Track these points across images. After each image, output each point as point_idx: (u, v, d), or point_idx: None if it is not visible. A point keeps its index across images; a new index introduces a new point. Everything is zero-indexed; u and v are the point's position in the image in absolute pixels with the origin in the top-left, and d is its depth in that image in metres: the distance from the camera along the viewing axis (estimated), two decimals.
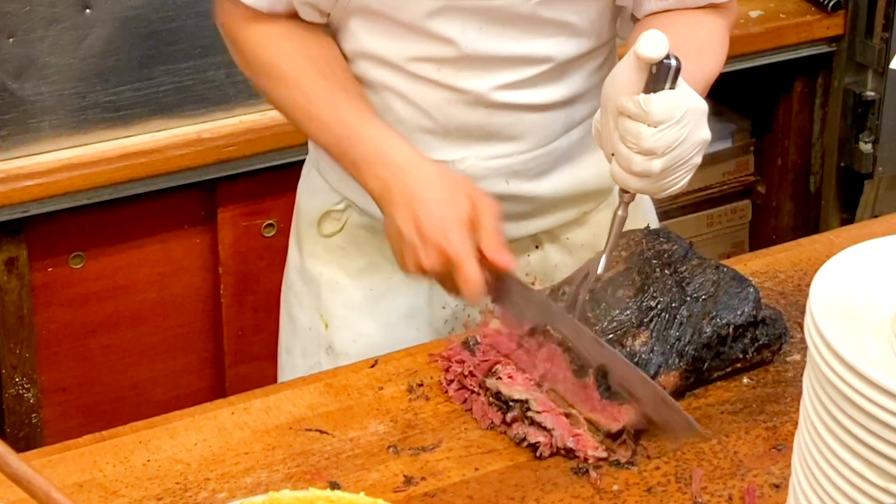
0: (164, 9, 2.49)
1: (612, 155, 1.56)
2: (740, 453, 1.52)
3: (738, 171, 3.29)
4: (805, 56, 3.11)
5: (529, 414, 1.53)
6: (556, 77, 1.75)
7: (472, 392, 1.59)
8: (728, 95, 3.23)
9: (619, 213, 1.59)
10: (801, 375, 1.46)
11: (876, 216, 3.04)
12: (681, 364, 1.58)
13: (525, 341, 1.60)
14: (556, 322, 1.57)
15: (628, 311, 1.60)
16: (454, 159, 1.76)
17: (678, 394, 1.59)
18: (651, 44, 1.49)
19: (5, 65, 2.41)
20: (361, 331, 1.86)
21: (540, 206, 1.83)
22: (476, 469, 1.50)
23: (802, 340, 1.65)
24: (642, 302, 1.60)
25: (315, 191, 1.90)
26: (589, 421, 1.53)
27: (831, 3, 3.03)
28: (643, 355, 1.56)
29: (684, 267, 1.66)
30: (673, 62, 1.50)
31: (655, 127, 1.51)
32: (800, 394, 1.30)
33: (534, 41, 1.71)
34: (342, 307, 1.87)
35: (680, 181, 1.56)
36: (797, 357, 1.68)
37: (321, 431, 1.56)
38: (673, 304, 1.61)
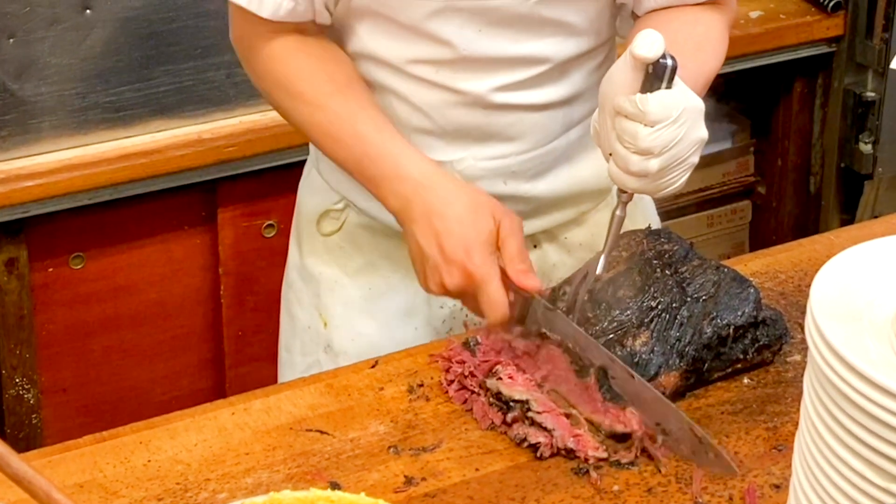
0: (165, 9, 2.49)
1: (610, 155, 1.56)
2: (741, 454, 1.52)
3: (738, 172, 3.29)
4: (805, 56, 3.11)
5: (530, 414, 1.53)
6: (555, 77, 1.75)
7: (473, 392, 1.59)
8: (728, 96, 3.23)
9: (618, 213, 1.59)
10: (802, 376, 1.46)
11: (876, 217, 3.04)
12: (681, 364, 1.58)
13: (525, 342, 1.60)
14: (585, 350, 1.55)
15: (629, 312, 1.60)
16: (452, 160, 1.76)
17: (678, 394, 1.59)
18: (647, 43, 1.49)
19: (6, 65, 2.41)
20: (360, 329, 1.86)
21: (538, 206, 1.83)
22: (476, 469, 1.50)
23: (803, 341, 1.65)
24: (643, 302, 1.60)
25: (315, 190, 1.90)
26: (589, 421, 1.53)
27: (831, 4, 3.04)
28: (643, 355, 1.57)
29: (685, 267, 1.66)
30: (669, 62, 1.50)
31: (652, 126, 1.51)
32: (800, 394, 1.30)
33: (532, 41, 1.71)
34: (341, 306, 1.87)
35: (677, 181, 1.56)
36: (797, 357, 1.68)
37: (322, 432, 1.56)
38: (673, 305, 1.61)
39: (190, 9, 2.50)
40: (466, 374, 1.60)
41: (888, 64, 3.04)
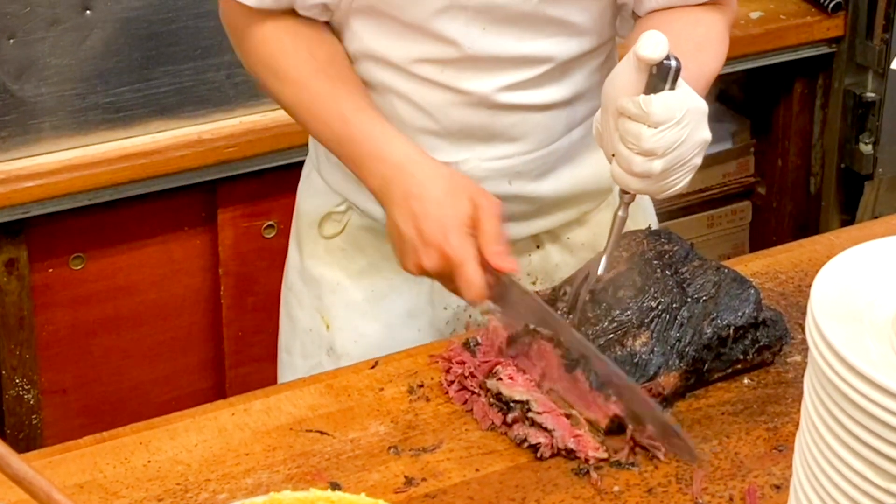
0: (165, 10, 2.49)
1: (613, 156, 1.56)
2: (741, 454, 1.52)
3: (738, 173, 3.29)
4: (805, 57, 3.11)
5: (530, 415, 1.53)
6: (558, 77, 1.75)
7: (473, 393, 1.59)
8: (728, 96, 3.23)
9: (620, 213, 1.59)
10: (802, 376, 1.46)
11: (876, 217, 3.04)
12: (681, 365, 1.58)
13: (518, 340, 1.60)
14: (560, 333, 1.57)
15: (629, 312, 1.60)
16: (457, 161, 1.76)
17: (678, 394, 1.59)
18: (651, 44, 1.49)
19: (6, 66, 2.41)
20: (363, 332, 1.86)
21: (541, 207, 1.83)
22: (477, 470, 1.50)
23: (803, 341, 1.64)
24: (643, 302, 1.60)
25: (315, 192, 1.89)
26: (589, 421, 1.53)
27: (831, 5, 3.04)
28: (643, 356, 1.56)
29: (685, 268, 1.66)
30: (673, 63, 1.50)
31: (656, 128, 1.51)
32: (800, 395, 1.30)
33: (536, 41, 1.71)
34: (343, 308, 1.87)
35: (680, 182, 1.56)
36: (798, 358, 1.68)
37: (322, 432, 1.56)
38: (674, 305, 1.61)
39: (190, 9, 2.50)
40: (467, 374, 1.60)
41: (888, 64, 3.04)
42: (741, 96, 3.27)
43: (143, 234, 2.61)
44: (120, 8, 2.46)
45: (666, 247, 1.69)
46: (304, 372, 1.85)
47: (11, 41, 2.40)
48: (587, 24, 1.74)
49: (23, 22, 2.39)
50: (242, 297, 2.70)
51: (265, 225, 2.67)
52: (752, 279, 1.70)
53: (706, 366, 1.60)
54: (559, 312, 1.62)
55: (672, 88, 1.51)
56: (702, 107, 1.55)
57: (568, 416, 1.53)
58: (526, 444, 1.53)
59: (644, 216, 1.90)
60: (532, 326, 1.58)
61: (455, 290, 1.62)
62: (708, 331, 1.60)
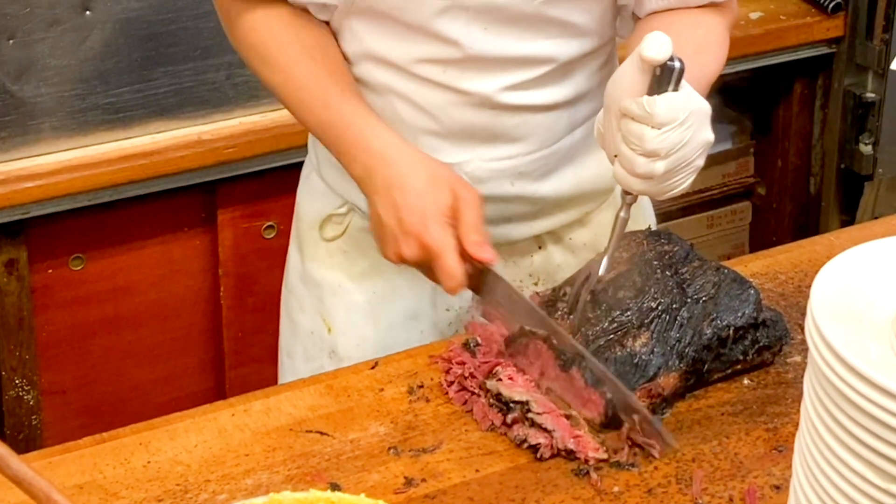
0: (164, 11, 2.49)
1: (615, 156, 1.56)
2: (741, 455, 1.52)
3: (738, 173, 3.29)
4: (805, 58, 3.11)
5: (530, 415, 1.53)
6: (560, 77, 1.76)
7: (473, 393, 1.59)
8: (728, 97, 3.23)
9: (622, 214, 1.59)
10: (802, 377, 1.46)
11: (876, 218, 3.04)
12: (681, 365, 1.58)
13: (515, 341, 1.60)
14: (529, 318, 1.59)
15: (629, 312, 1.60)
16: (459, 161, 1.76)
17: (678, 395, 1.59)
18: (655, 46, 1.49)
19: (5, 66, 2.41)
20: (365, 334, 1.86)
21: (544, 207, 1.83)
22: (476, 470, 1.50)
23: (803, 342, 1.65)
24: (643, 303, 1.60)
25: (316, 195, 1.89)
26: (586, 420, 1.53)
27: (831, 5, 3.04)
28: (643, 356, 1.56)
29: (685, 268, 1.66)
30: (677, 64, 1.50)
31: (659, 129, 1.51)
32: (800, 395, 1.30)
33: (538, 41, 1.71)
34: (345, 311, 1.87)
35: (683, 183, 1.57)
36: (798, 358, 1.68)
37: (321, 433, 1.56)
38: (673, 306, 1.61)
39: (189, 10, 2.51)
40: (466, 375, 1.60)
41: (888, 65, 3.04)
42: (741, 97, 3.27)
43: (142, 235, 2.61)
44: (120, 8, 2.46)
45: (666, 247, 1.69)
46: (306, 375, 1.85)
47: (11, 42, 2.40)
48: (588, 24, 1.74)
49: (22, 22, 2.40)
50: (242, 297, 2.70)
51: (265, 225, 2.67)
52: (751, 280, 1.70)
53: (706, 366, 1.60)
54: (559, 313, 1.62)
55: (675, 90, 1.51)
56: (705, 108, 1.55)
57: (568, 417, 1.53)
58: (526, 445, 1.53)
59: (643, 216, 1.90)
60: (528, 328, 1.58)
61: (434, 279, 1.64)
62: (708, 331, 1.60)
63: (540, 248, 1.87)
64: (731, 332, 1.61)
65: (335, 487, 1.46)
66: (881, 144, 3.11)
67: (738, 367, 1.63)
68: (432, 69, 1.72)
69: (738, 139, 3.28)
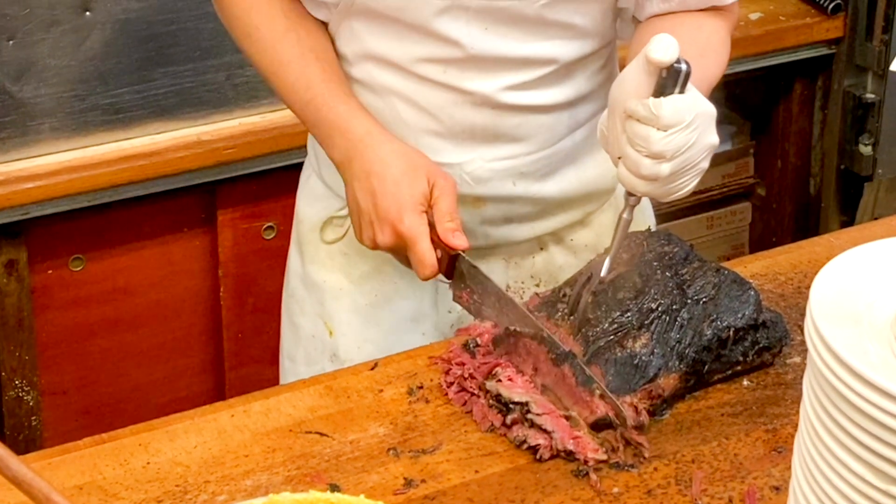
0: (164, 11, 2.49)
1: (619, 158, 1.56)
2: (740, 455, 1.52)
3: (737, 174, 3.29)
4: (805, 58, 3.11)
5: (529, 416, 1.53)
6: (561, 78, 1.76)
7: (473, 394, 1.59)
8: (728, 97, 3.23)
9: (625, 216, 1.59)
10: (802, 378, 1.46)
11: (876, 218, 3.03)
12: (681, 366, 1.58)
13: (503, 342, 1.60)
14: (498, 303, 1.63)
15: (629, 313, 1.60)
16: (461, 161, 1.76)
17: (678, 396, 1.59)
18: (662, 48, 1.49)
19: (5, 67, 2.41)
20: (367, 337, 1.86)
21: (546, 208, 1.83)
22: (476, 471, 1.50)
23: (803, 343, 1.65)
24: (643, 304, 1.60)
25: (316, 197, 1.89)
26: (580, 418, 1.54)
27: (831, 6, 3.04)
28: (643, 357, 1.56)
29: (685, 269, 1.66)
30: (683, 66, 1.50)
31: (665, 131, 1.51)
32: (800, 396, 1.30)
33: (539, 42, 1.72)
34: (346, 313, 1.87)
35: (687, 185, 1.57)
36: (797, 359, 1.68)
37: (321, 434, 1.56)
38: (673, 307, 1.61)
39: (189, 11, 2.51)
40: (466, 376, 1.60)
41: (888, 66, 3.04)
42: (741, 97, 3.27)
43: (142, 236, 2.61)
44: (119, 9, 2.46)
45: (666, 248, 1.69)
46: None
47: (11, 42, 2.40)
48: (589, 26, 1.74)
49: (22, 23, 2.40)
50: (242, 298, 2.70)
51: (265, 226, 2.67)
52: (751, 280, 1.70)
53: (706, 367, 1.60)
54: (560, 314, 1.62)
55: (682, 92, 1.51)
56: (711, 111, 1.55)
57: (567, 418, 1.53)
58: (525, 446, 1.53)
59: (643, 217, 1.90)
60: (513, 328, 1.59)
61: (407, 264, 1.68)
62: (708, 332, 1.60)
63: (542, 249, 1.87)
64: (730, 333, 1.61)
65: (335, 488, 1.46)
66: (881, 145, 3.11)
67: (738, 368, 1.63)
68: (433, 69, 1.72)
69: (738, 140, 3.28)
